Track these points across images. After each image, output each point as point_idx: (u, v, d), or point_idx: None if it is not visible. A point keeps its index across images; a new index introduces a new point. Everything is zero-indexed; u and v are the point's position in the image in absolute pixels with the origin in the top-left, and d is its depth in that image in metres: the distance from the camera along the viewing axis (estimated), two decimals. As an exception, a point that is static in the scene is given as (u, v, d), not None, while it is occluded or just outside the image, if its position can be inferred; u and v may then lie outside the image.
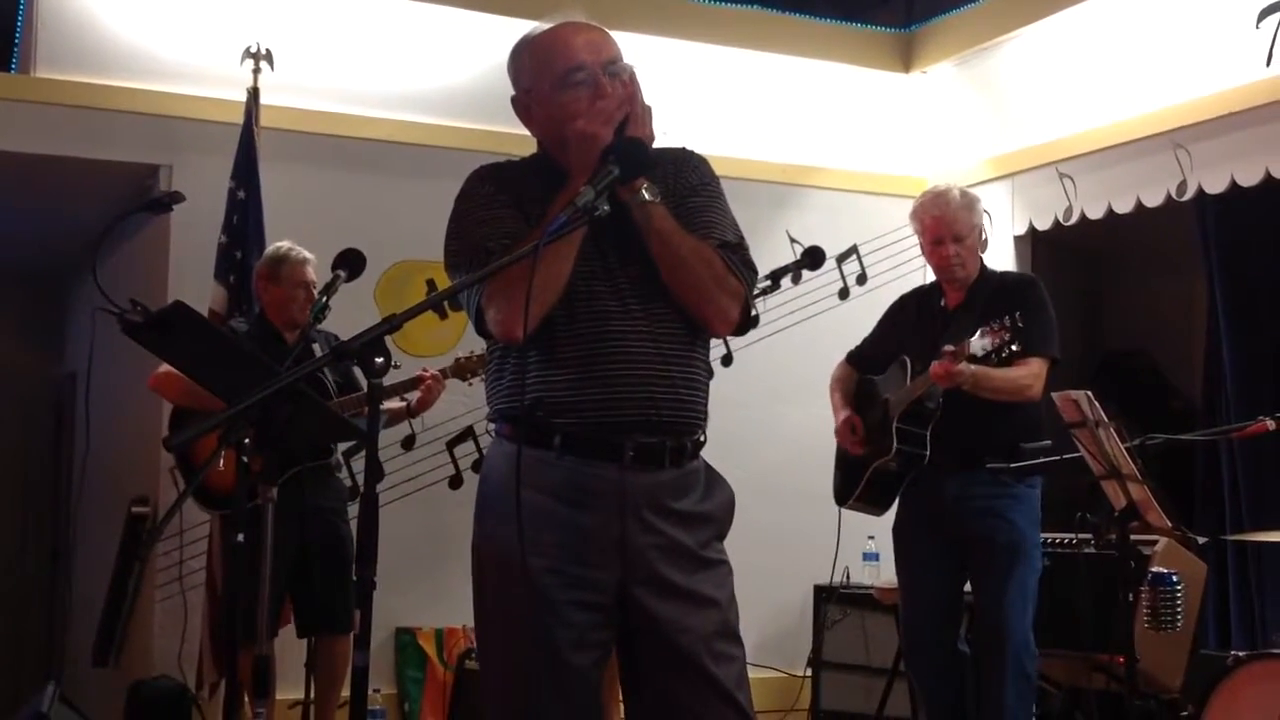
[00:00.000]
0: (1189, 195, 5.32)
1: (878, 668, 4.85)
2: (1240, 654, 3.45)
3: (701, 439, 2.41)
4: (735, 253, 2.39)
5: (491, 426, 2.45)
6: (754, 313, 2.45)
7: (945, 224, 4.11)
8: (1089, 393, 2.77)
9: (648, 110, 2.39)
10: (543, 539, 2.28)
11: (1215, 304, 5.49)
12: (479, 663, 2.45)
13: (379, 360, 2.09)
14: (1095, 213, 5.73)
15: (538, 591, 2.26)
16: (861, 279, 6.42)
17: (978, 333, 3.74)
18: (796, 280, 6.23)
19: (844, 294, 6.41)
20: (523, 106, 2.46)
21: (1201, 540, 2.93)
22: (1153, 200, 5.46)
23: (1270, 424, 2.79)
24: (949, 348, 3.81)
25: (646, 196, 2.32)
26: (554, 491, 2.30)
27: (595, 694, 2.34)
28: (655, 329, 2.34)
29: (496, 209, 2.37)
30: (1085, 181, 5.78)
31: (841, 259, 6.44)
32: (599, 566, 2.29)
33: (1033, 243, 6.23)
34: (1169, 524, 2.75)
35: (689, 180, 2.43)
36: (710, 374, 2.51)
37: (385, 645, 5.58)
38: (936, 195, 4.19)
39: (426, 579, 5.41)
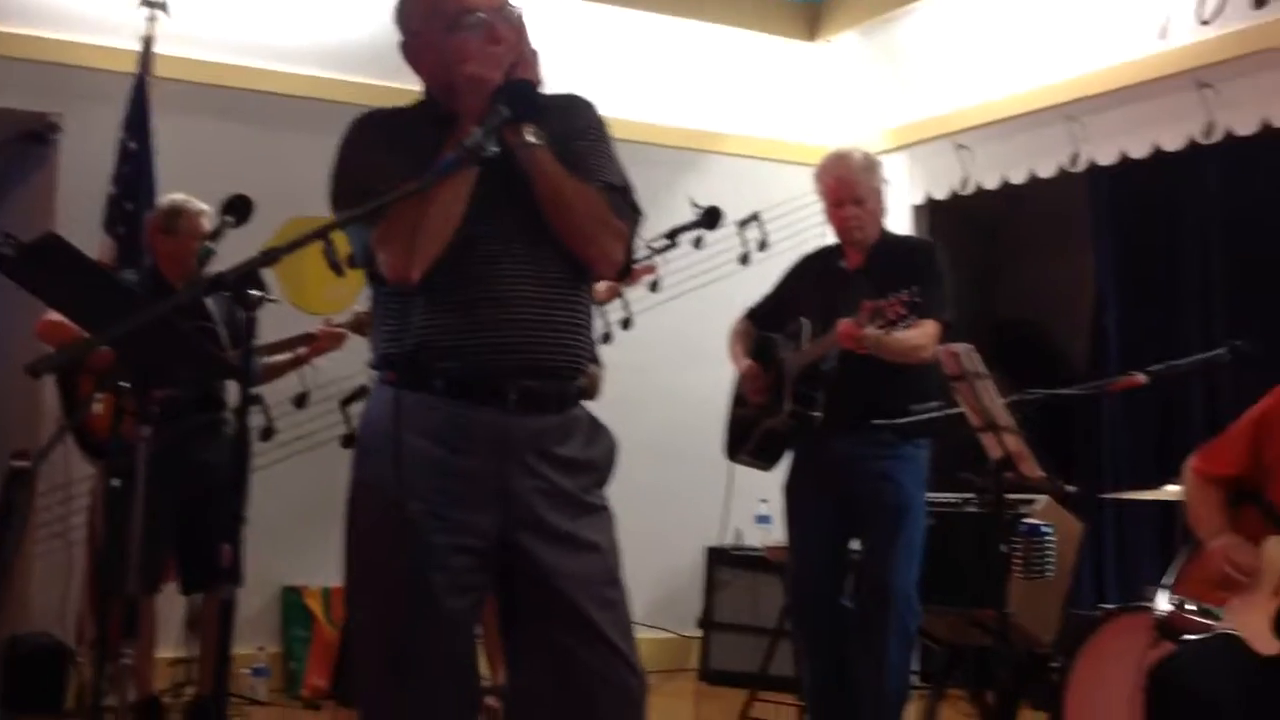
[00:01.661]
0: (1080, 167, 5.43)
1: (766, 628, 4.91)
2: (1109, 607, 3.55)
3: (584, 384, 2.42)
4: (620, 195, 2.40)
5: (375, 373, 2.44)
6: (634, 256, 2.46)
7: (846, 186, 4.15)
8: (970, 346, 2.82)
9: (535, 54, 2.39)
10: (422, 483, 2.27)
11: (1103, 275, 5.61)
12: (350, 607, 2.42)
13: (254, 294, 2.07)
14: (990, 183, 5.83)
15: (415, 534, 2.25)
16: (763, 245, 6.45)
17: (882, 301, 3.76)
18: (699, 244, 6.33)
19: (745, 260, 6.43)
20: (411, 50, 2.44)
21: (1070, 488, 3.01)
22: (1046, 171, 5.56)
23: (1141, 378, 2.87)
24: (866, 304, 3.83)
25: (533, 140, 2.31)
26: (435, 435, 2.29)
27: (469, 638, 2.34)
28: (541, 272, 2.33)
29: (382, 152, 2.35)
30: (981, 152, 5.87)
31: (743, 225, 6.46)
32: (480, 511, 2.28)
33: (930, 212, 6.32)
34: (1042, 474, 2.82)
35: (576, 124, 2.43)
36: (593, 317, 2.51)
37: (271, 604, 5.54)
38: (839, 157, 4.22)
39: (315, 538, 5.34)
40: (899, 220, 6.01)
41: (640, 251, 4.37)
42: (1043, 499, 4.10)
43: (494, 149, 2.27)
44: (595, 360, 4.24)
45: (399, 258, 2.25)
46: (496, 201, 2.33)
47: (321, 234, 2.22)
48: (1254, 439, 2.78)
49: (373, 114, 2.45)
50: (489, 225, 2.32)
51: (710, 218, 4.36)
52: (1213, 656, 2.56)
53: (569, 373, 2.36)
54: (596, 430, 2.43)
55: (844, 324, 3.87)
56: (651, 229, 4.79)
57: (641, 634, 6.39)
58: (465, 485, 2.28)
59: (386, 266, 2.29)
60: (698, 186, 6.37)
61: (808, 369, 4.09)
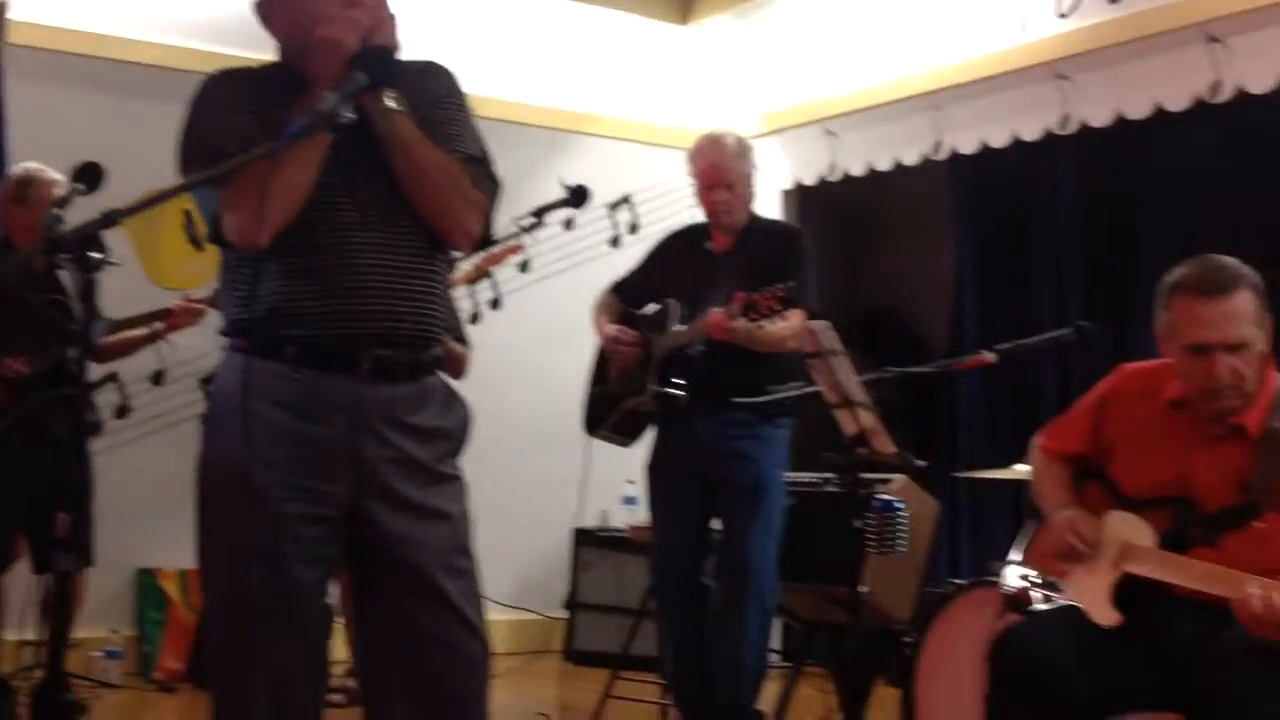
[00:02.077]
0: (943, 155, 5.54)
1: (631, 608, 4.93)
2: (959, 583, 3.64)
3: (439, 353, 2.40)
4: (479, 166, 2.38)
5: (226, 341, 2.39)
6: (493, 229, 2.44)
7: (718, 171, 4.18)
8: (827, 323, 2.87)
9: (394, 19, 2.35)
10: (273, 452, 2.23)
11: (963, 260, 5.73)
12: (201, 580, 2.37)
13: (95, 256, 2.01)
14: (857, 170, 5.92)
15: (265, 504, 2.21)
16: (634, 228, 6.45)
17: (758, 291, 3.79)
18: (569, 226, 6.32)
19: (615, 242, 6.42)
20: (265, 10, 2.39)
21: (920, 463, 3.07)
22: (910, 159, 5.66)
23: (989, 356, 2.93)
24: (741, 295, 3.86)
25: (391, 106, 2.28)
26: (286, 404, 2.25)
27: (319, 608, 2.32)
28: (396, 241, 2.30)
29: (233, 112, 2.30)
30: (849, 139, 5.95)
31: (614, 207, 6.45)
32: (331, 480, 2.25)
33: (799, 198, 6.39)
34: (894, 450, 2.87)
35: (434, 92, 2.40)
36: (450, 287, 2.49)
37: (125, 586, 5.41)
38: (713, 141, 4.24)
39: (171, 519, 5.16)
40: (768, 205, 6.07)
41: (508, 230, 4.37)
42: (900, 478, 4.18)
43: (349, 115, 2.23)
44: (462, 339, 4.24)
45: (246, 222, 2.21)
46: (352, 168, 2.29)
47: (166, 197, 2.17)
48: (1096, 418, 2.85)
49: (224, 73, 2.39)
50: (344, 192, 2.29)
51: (577, 197, 4.36)
52: (1052, 626, 2.63)
53: (423, 342, 2.34)
54: (451, 400, 2.42)
55: (715, 315, 3.90)
56: (523, 209, 4.81)
57: (507, 615, 6.42)
58: (316, 454, 2.25)
59: (233, 231, 2.24)
60: (569, 168, 6.35)
61: (674, 352, 4.12)
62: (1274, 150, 4.70)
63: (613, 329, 4.28)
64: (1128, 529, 2.68)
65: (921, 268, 6.78)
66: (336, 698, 4.42)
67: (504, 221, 4.25)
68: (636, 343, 4.20)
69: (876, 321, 7.12)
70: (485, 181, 2.38)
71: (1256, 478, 2.55)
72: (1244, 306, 2.58)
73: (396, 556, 2.26)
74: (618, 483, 5.56)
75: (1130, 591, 2.64)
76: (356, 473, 2.26)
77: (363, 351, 2.27)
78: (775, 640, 5.50)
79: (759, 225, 4.30)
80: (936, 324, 6.37)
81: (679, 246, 4.37)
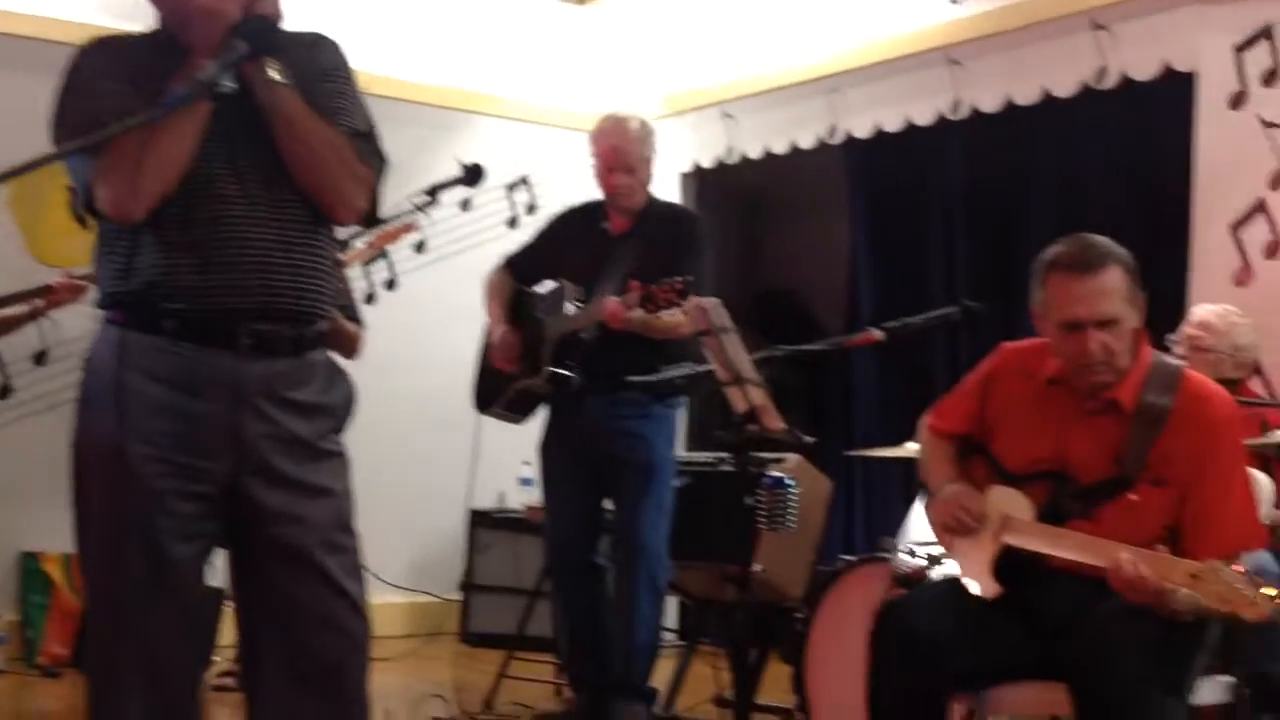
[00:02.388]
0: (838, 139, 5.59)
1: (526, 589, 4.92)
2: (849, 559, 3.69)
3: (324, 328, 2.36)
4: (365, 141, 2.35)
5: (101, 313, 2.34)
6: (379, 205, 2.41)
7: (620, 154, 4.17)
8: (717, 300, 2.88)
9: (276, -12, 2.31)
10: (150, 427, 2.19)
11: (857, 243, 5.80)
12: (79, 558, 2.32)
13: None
14: (755, 152, 5.94)
15: (139, 480, 2.17)
16: (531, 209, 6.44)
17: (659, 283, 3.79)
18: (466, 207, 6.29)
19: (513, 223, 6.42)
20: (143, -24, 2.33)
21: (809, 439, 3.11)
22: (806, 142, 5.70)
23: (878, 334, 2.97)
24: (634, 284, 3.85)
25: (275, 77, 2.24)
26: (164, 378, 2.21)
27: (198, 584, 2.28)
28: (278, 215, 2.27)
29: (109, 81, 2.25)
30: (746, 122, 5.98)
31: (512, 188, 6.45)
32: (210, 456, 2.22)
33: (698, 180, 6.41)
34: (783, 426, 2.90)
35: (320, 64, 2.36)
36: (338, 263, 2.46)
37: (9, 570, 5.28)
38: (616, 123, 4.23)
39: (55, 502, 5.02)
40: (667, 187, 6.07)
41: (402, 209, 4.33)
42: (793, 457, 4.22)
43: (230, 85, 2.20)
44: (356, 318, 4.18)
45: (121, 194, 2.16)
46: (233, 140, 2.25)
47: (37, 165, 2.10)
48: (980, 396, 2.91)
49: (100, 42, 2.33)
50: (224, 164, 2.25)
51: (472, 175, 4.31)
52: (933, 599, 2.68)
53: (306, 317, 2.30)
54: (335, 375, 2.39)
55: (612, 304, 3.90)
56: (419, 189, 4.76)
57: (403, 598, 6.37)
58: (194, 429, 2.21)
59: (107, 203, 2.19)
60: (466, 148, 6.28)
61: (568, 335, 4.11)
62: (1157, 135, 4.81)
63: (501, 331, 4.25)
64: (1008, 503, 2.73)
65: (817, 250, 6.85)
66: (228, 681, 4.36)
67: (398, 200, 4.21)
68: (519, 358, 4.18)
69: (773, 303, 7.18)
70: (372, 157, 2.35)
71: (1129, 451, 2.61)
72: (1115, 284, 2.64)
73: (275, 533, 2.24)
74: (515, 464, 5.54)
75: (1011, 564, 2.69)
76: (235, 449, 2.22)
77: (242, 326, 2.23)
78: (670, 619, 5.55)
79: (656, 208, 4.30)
80: (831, 305, 6.43)
81: (574, 225, 4.36)
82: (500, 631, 5.20)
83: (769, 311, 7.09)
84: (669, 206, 4.46)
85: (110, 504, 2.21)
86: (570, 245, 4.30)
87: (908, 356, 5.58)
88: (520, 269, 4.40)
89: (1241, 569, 2.32)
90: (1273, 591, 2.26)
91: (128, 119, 2.12)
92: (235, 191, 2.25)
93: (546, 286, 4.32)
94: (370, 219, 2.40)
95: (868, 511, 5.62)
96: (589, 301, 4.09)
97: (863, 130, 5.47)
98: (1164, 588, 2.38)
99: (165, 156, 2.17)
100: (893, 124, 5.35)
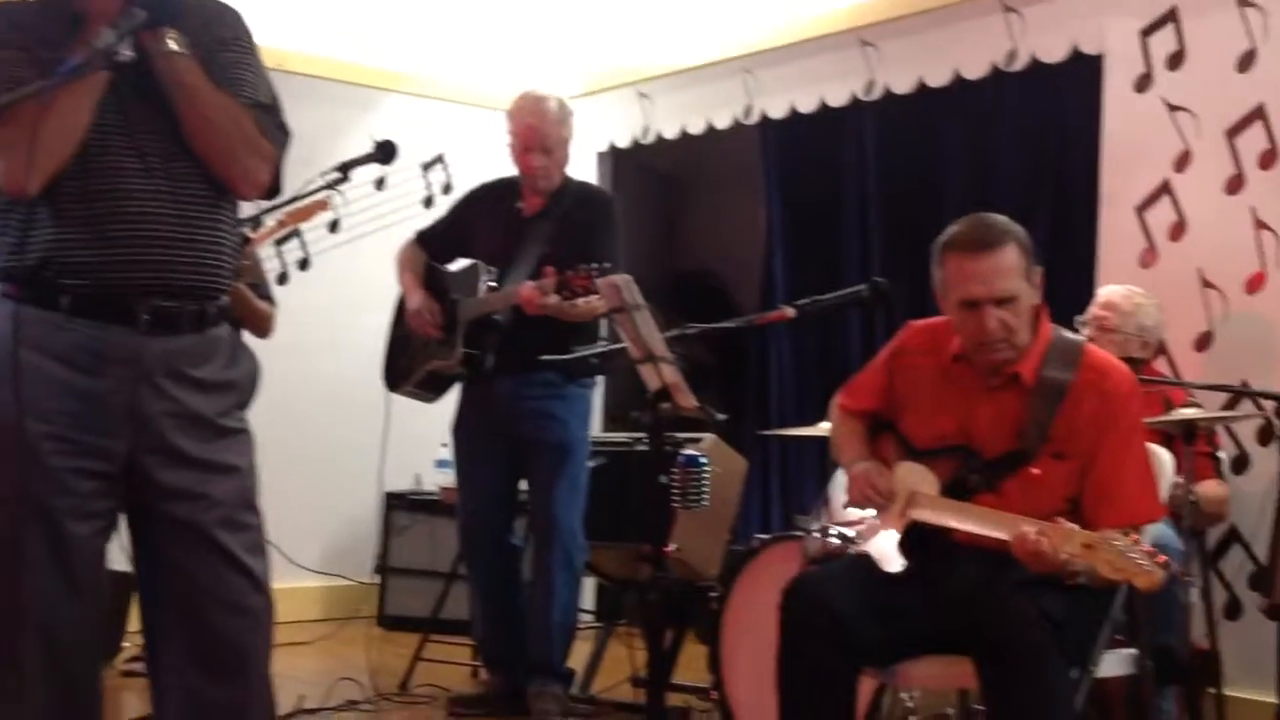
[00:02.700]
0: (754, 119, 5.60)
1: (443, 572, 4.90)
2: (764, 537, 3.70)
3: (225, 303, 2.32)
4: (268, 114, 2.31)
5: (-5, 289, 2.28)
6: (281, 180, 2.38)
7: (537, 134, 4.14)
8: (629, 277, 2.88)
9: (175, -45, 2.26)
10: (47, 405, 2.15)
11: (772, 223, 5.82)
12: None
13: None
14: (670, 132, 5.94)
15: (36, 458, 2.13)
16: (447, 188, 6.39)
17: (573, 270, 3.78)
18: (381, 186, 6.22)
19: (429, 202, 6.36)
20: (36, -59, 2.27)
21: (721, 416, 3.12)
22: (722, 122, 5.71)
23: (789, 311, 2.98)
24: (549, 271, 3.84)
25: (173, 47, 2.20)
26: (61, 355, 2.17)
27: (99, 565, 2.24)
28: (177, 189, 2.23)
29: (2, 50, 2.19)
30: (662, 102, 5.97)
31: (427, 167, 6.40)
32: (108, 434, 2.18)
33: (614, 160, 6.39)
34: (696, 404, 2.90)
35: (220, 34, 2.32)
36: (240, 238, 2.42)
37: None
38: (535, 102, 4.18)
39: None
40: (583, 167, 6.05)
41: (313, 185, 4.27)
42: (709, 437, 4.23)
43: (128, 54, 2.15)
44: (268, 297, 4.13)
45: (14, 168, 2.11)
46: (130, 111, 2.21)
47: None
48: (887, 374, 2.93)
49: (-7, 10, 2.27)
50: (121, 136, 2.21)
51: (385, 152, 4.25)
52: (842, 574, 2.69)
53: (206, 292, 2.27)
54: (238, 351, 2.36)
55: (527, 290, 3.89)
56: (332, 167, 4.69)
57: (318, 582, 6.27)
58: (93, 407, 2.17)
59: (0, 177, 2.13)
60: (381, 126, 6.21)
61: (482, 317, 4.09)
62: (1066, 118, 4.87)
63: (419, 299, 4.22)
64: (915, 478, 2.76)
65: (733, 230, 6.87)
66: (137, 666, 4.29)
67: (309, 177, 4.15)
68: (439, 325, 4.15)
69: (689, 283, 7.20)
70: (274, 130, 2.31)
71: (1030, 425, 2.65)
72: (1010, 262, 2.67)
73: (175, 512, 2.21)
74: (431, 445, 5.50)
75: (918, 539, 2.72)
76: (134, 427, 2.19)
77: (141, 302, 2.20)
78: (588, 600, 5.55)
79: (570, 189, 4.27)
80: (747, 285, 6.45)
81: (487, 203, 4.33)
82: (417, 614, 5.16)
83: (685, 292, 7.11)
84: (583, 187, 4.43)
85: (6, 483, 2.15)
86: (482, 224, 4.27)
87: (823, 337, 5.62)
88: (432, 244, 4.37)
89: (1138, 539, 2.36)
90: (1164, 559, 2.30)
91: (20, 90, 2.07)
92: (133, 164, 2.21)
93: (458, 264, 4.30)
94: (272, 192, 2.36)
95: (784, 491, 5.65)
96: (503, 283, 4.06)
97: (778, 111, 5.49)
98: (1065, 559, 2.41)
99: (60, 128, 2.13)
100: (807, 105, 5.37)
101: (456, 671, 4.70)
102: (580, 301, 3.77)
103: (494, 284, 4.08)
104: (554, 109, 4.16)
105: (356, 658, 4.51)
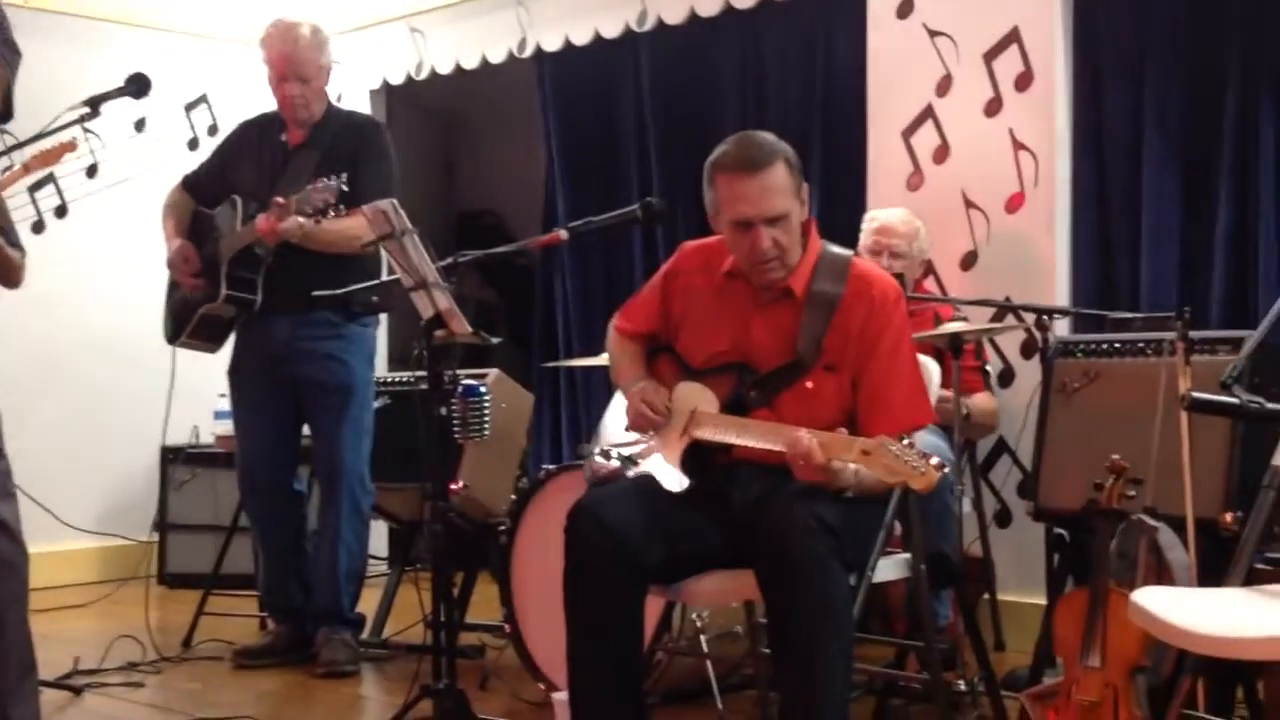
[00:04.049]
0: (529, 53, 5.54)
1: (226, 525, 4.74)
2: (549, 468, 3.69)
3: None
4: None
5: None
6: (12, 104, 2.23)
7: (291, 63, 4.01)
8: (394, 201, 2.81)
9: None
10: None
11: (553, 160, 5.77)
12: None
13: None
14: (445, 68, 5.82)
15: None
16: (212, 129, 6.14)
17: (306, 189, 3.68)
18: (141, 128, 5.94)
19: (193, 145, 6.11)
20: None
21: (494, 339, 3.09)
22: (497, 57, 5.62)
23: (563, 234, 2.97)
24: (279, 200, 3.74)
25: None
26: None
27: None
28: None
29: None
30: (435, 37, 5.85)
31: (190, 108, 6.14)
32: None
33: (388, 98, 6.24)
34: (469, 329, 2.86)
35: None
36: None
37: None
38: (286, 30, 4.05)
39: None
40: (357, 106, 5.89)
41: (61, 120, 4.03)
42: (493, 372, 4.19)
43: None
44: (16, 244, 3.89)
45: None
46: None
47: None
48: (662, 296, 2.93)
49: None
50: None
51: (137, 86, 4.01)
52: (624, 494, 2.69)
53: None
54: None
55: (261, 221, 3.79)
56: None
57: (95, 543, 6.01)
58: None
59: None
60: (140, 65, 5.91)
61: (242, 254, 3.95)
62: (834, 44, 4.93)
63: (176, 244, 4.06)
64: (694, 397, 2.78)
65: (514, 168, 6.80)
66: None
67: (56, 112, 3.91)
68: (197, 272, 4.01)
69: (471, 224, 7.11)
70: (2, 48, 2.16)
71: (803, 338, 2.69)
72: (780, 180, 2.69)
73: None
74: (211, 396, 5.31)
75: (699, 457, 2.74)
76: None
77: None
78: (381, 545, 5.47)
79: (335, 117, 4.16)
80: (530, 223, 6.40)
81: (251, 138, 4.19)
82: (200, 571, 5.00)
83: (467, 232, 7.03)
84: (348, 115, 4.30)
85: None
86: (247, 160, 4.13)
87: (606, 266, 5.62)
88: (198, 188, 4.21)
89: (913, 444, 2.42)
90: (937, 461, 2.37)
91: None
92: None
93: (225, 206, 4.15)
94: (3, 116, 2.21)
95: (575, 424, 5.65)
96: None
97: (552, 43, 5.43)
98: (831, 462, 2.46)
99: None
100: (582, 37, 5.33)
101: (244, 625, 4.58)
102: (328, 222, 3.66)
103: (251, 219, 3.95)
104: (306, 35, 4.03)
105: (137, 617, 4.34)
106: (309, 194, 3.63)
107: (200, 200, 4.18)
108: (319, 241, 3.78)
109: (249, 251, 3.91)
